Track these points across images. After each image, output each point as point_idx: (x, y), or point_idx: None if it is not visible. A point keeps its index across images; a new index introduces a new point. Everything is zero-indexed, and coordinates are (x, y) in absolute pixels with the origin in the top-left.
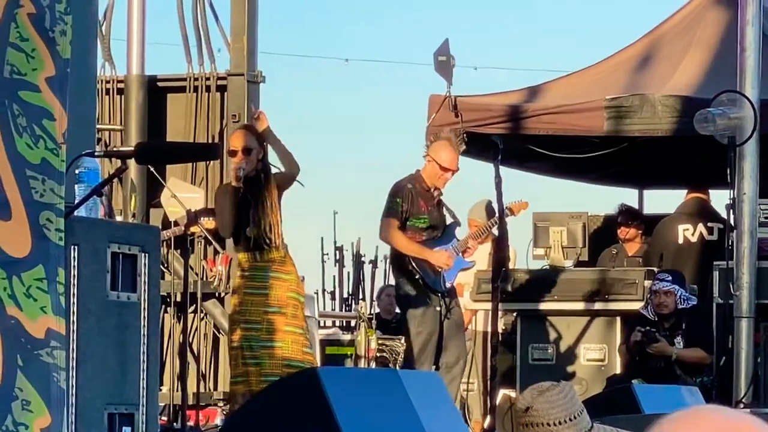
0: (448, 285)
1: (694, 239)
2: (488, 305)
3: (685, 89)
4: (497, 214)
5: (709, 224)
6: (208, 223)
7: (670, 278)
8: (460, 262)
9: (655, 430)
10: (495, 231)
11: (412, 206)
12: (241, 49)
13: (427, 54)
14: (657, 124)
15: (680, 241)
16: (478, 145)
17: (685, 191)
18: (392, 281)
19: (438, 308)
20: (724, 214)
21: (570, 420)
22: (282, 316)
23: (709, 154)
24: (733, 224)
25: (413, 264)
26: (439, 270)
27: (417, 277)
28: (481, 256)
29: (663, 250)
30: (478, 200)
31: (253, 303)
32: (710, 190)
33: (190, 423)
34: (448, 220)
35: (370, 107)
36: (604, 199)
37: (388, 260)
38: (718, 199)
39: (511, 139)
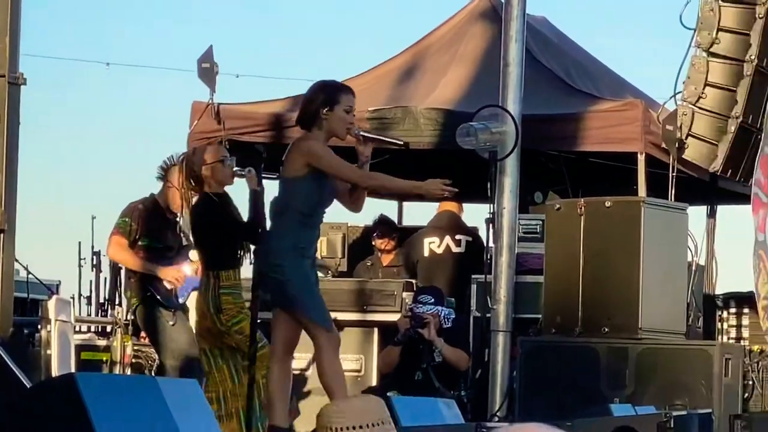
0: (180, 301)
1: (440, 251)
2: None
3: (448, 102)
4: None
5: (457, 237)
6: None
7: (432, 300)
8: (191, 281)
9: None
10: None
11: (144, 227)
12: (2, 49)
13: (190, 60)
14: (419, 137)
15: (426, 253)
16: (241, 154)
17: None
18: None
19: (171, 323)
20: (483, 228)
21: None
22: None
23: (470, 167)
24: (492, 238)
25: (145, 281)
26: (170, 287)
27: (149, 294)
28: None
29: (414, 263)
30: None
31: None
32: (471, 204)
33: None
34: (185, 242)
35: (132, 112)
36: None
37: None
38: (479, 213)
39: (275, 148)
